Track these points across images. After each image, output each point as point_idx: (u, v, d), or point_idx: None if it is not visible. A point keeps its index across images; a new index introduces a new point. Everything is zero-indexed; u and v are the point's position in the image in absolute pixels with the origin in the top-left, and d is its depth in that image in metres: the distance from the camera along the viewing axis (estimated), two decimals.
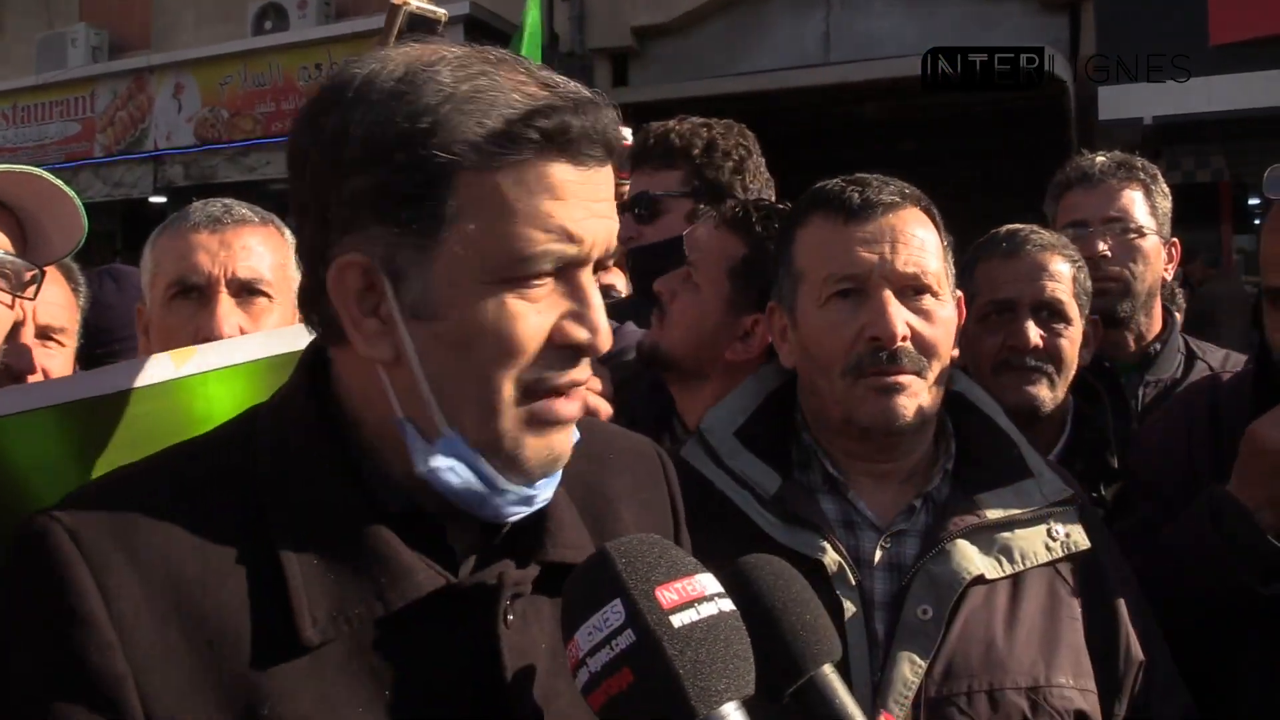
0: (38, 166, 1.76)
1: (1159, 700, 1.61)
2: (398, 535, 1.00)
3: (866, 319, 1.61)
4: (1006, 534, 1.61)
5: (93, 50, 14.63)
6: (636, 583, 0.91)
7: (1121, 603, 1.64)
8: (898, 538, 1.62)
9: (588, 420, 1.09)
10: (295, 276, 1.91)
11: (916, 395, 1.61)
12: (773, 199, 2.61)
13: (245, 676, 0.92)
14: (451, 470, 0.98)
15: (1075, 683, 1.54)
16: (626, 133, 3.67)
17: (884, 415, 1.60)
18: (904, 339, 1.60)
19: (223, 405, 1.42)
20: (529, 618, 1.04)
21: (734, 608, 0.94)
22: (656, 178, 2.73)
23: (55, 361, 1.99)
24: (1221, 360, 2.75)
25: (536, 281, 0.96)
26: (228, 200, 1.99)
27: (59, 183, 1.68)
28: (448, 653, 1.00)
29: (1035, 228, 2.30)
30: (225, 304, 1.86)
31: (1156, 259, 2.71)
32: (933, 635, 1.52)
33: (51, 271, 1.91)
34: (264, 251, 1.91)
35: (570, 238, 0.96)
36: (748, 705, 0.91)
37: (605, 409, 2.04)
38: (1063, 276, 2.19)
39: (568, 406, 1.01)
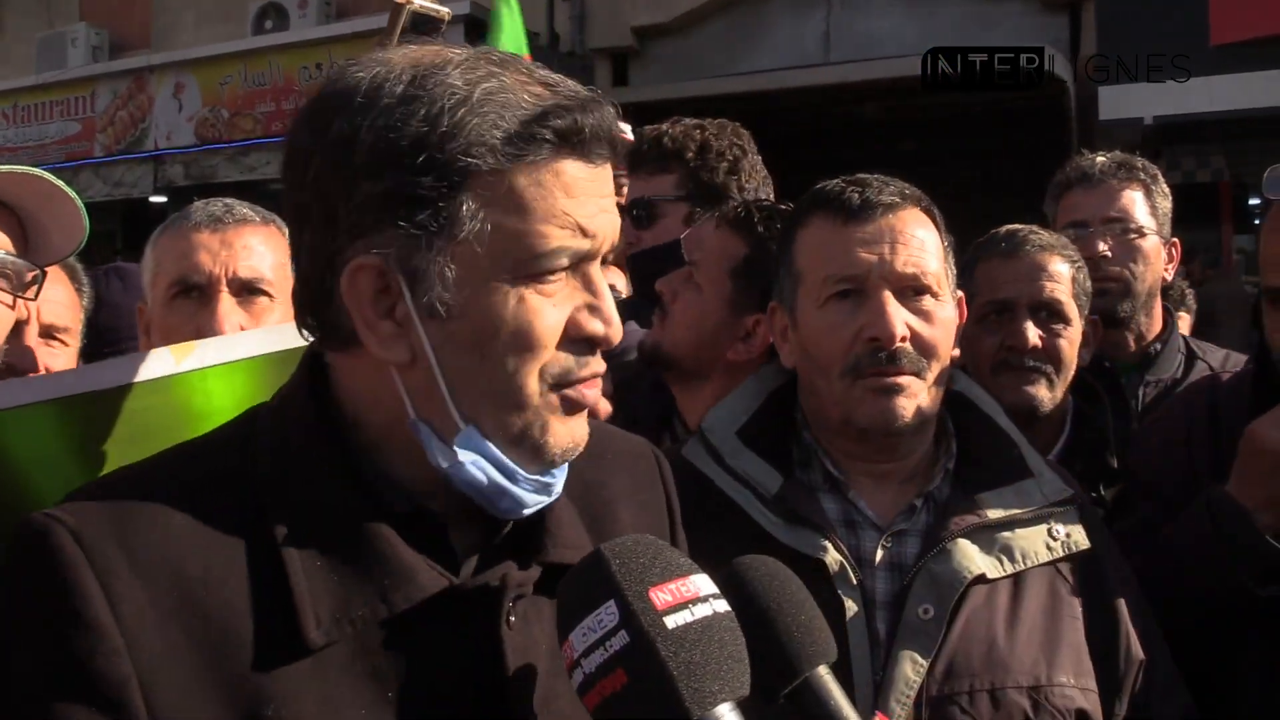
0: (38, 166, 1.76)
1: (1159, 700, 1.61)
2: (400, 536, 1.00)
3: (865, 319, 1.61)
4: (1007, 533, 1.61)
5: (93, 50, 14.63)
6: (631, 584, 0.91)
7: (1122, 602, 1.64)
8: (899, 537, 1.62)
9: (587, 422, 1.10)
10: None
11: (916, 396, 1.62)
12: (771, 197, 2.61)
13: (249, 678, 0.92)
14: (475, 464, 0.99)
15: (1076, 682, 1.55)
16: (626, 128, 3.68)
17: (883, 416, 1.61)
18: (903, 339, 1.60)
19: (222, 401, 1.42)
20: (530, 618, 1.05)
21: (729, 609, 0.94)
22: (652, 182, 2.73)
23: (59, 361, 1.99)
24: (1222, 360, 2.75)
25: (552, 277, 0.98)
26: (229, 200, 2.00)
27: (60, 183, 1.69)
28: (450, 654, 1.00)
29: (1035, 228, 2.30)
30: (226, 303, 1.86)
31: (1157, 259, 2.71)
32: (934, 634, 1.52)
33: (55, 271, 1.91)
34: (265, 251, 1.91)
35: (584, 233, 0.98)
36: (743, 706, 0.91)
37: (605, 407, 2.05)
38: (1062, 277, 2.19)
39: (590, 391, 1.04)
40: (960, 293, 1.76)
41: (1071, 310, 2.19)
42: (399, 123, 0.94)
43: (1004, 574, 1.59)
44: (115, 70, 14.35)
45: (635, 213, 2.76)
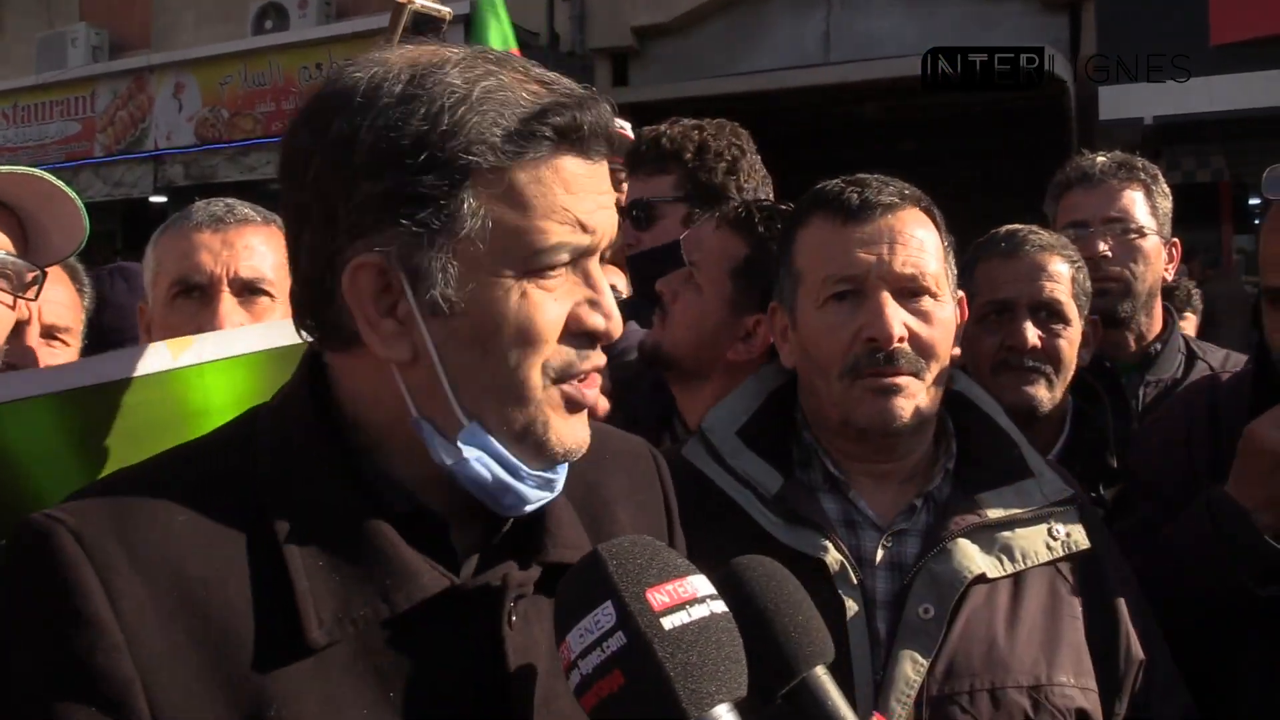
0: (38, 166, 1.76)
1: (1159, 700, 1.61)
2: (401, 536, 1.00)
3: (863, 320, 1.61)
4: (1007, 533, 1.61)
5: (93, 50, 14.63)
6: (628, 585, 0.91)
7: (1122, 602, 1.64)
8: (899, 537, 1.62)
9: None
10: None
11: (914, 396, 1.62)
12: (771, 197, 2.61)
13: (251, 678, 0.92)
14: (479, 460, 0.99)
15: (1076, 681, 1.55)
16: (626, 125, 3.68)
17: (881, 416, 1.61)
18: (901, 340, 1.60)
19: (220, 397, 1.42)
20: (530, 618, 1.05)
21: (726, 609, 0.94)
22: (650, 183, 2.73)
23: (60, 361, 1.99)
24: (1222, 360, 2.75)
25: (553, 272, 0.99)
26: (230, 200, 2.00)
27: (60, 184, 1.69)
28: (452, 654, 1.00)
29: (1035, 228, 2.30)
30: (227, 303, 1.86)
31: (1157, 259, 2.71)
32: (934, 634, 1.52)
33: (56, 271, 1.92)
34: (266, 251, 1.91)
35: (584, 228, 0.99)
36: (740, 707, 0.91)
37: (602, 404, 2.05)
38: (1061, 277, 2.19)
39: (590, 391, 1.04)
40: (961, 293, 1.76)
41: (1071, 310, 2.19)
42: (399, 122, 0.95)
43: (1004, 574, 1.59)
44: (115, 70, 14.34)
45: (634, 214, 2.76)
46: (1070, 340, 2.19)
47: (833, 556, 1.55)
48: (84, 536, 0.92)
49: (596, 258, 1.03)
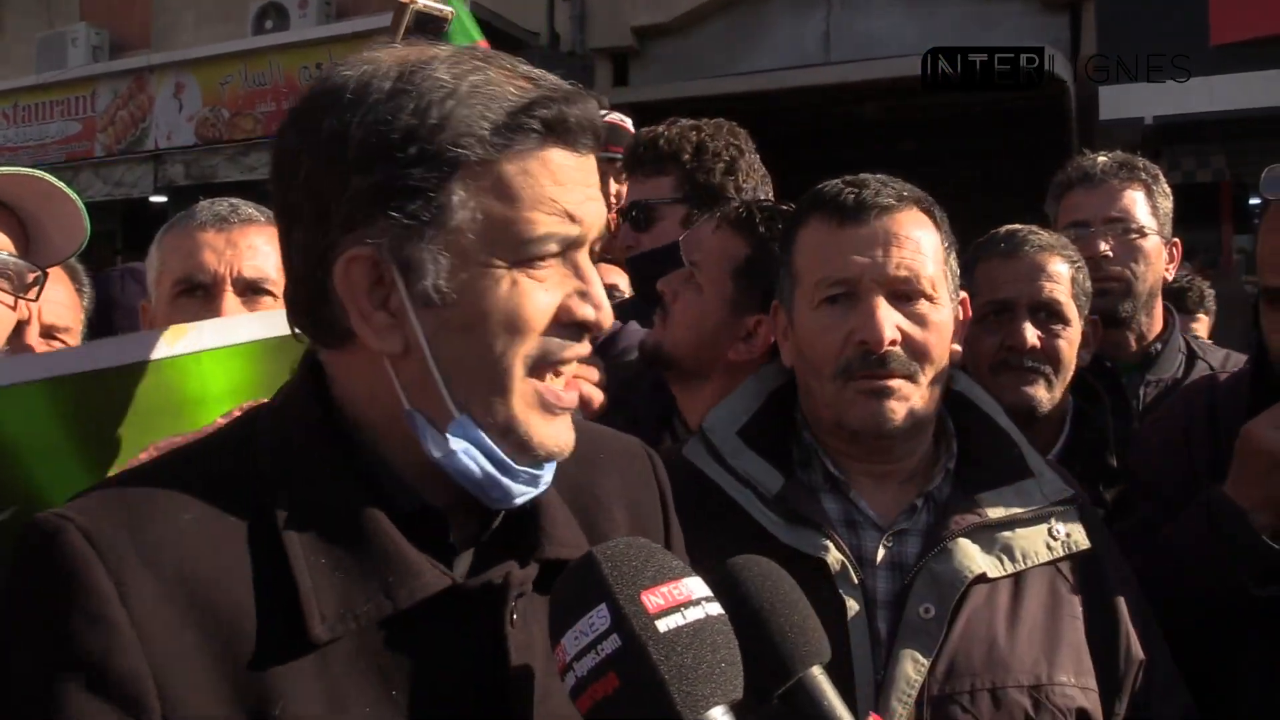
0: (38, 166, 1.76)
1: (1159, 700, 1.62)
2: (403, 534, 1.01)
3: (856, 323, 1.61)
4: (1008, 533, 1.62)
5: (93, 50, 14.60)
6: (622, 587, 0.91)
7: (1122, 602, 1.64)
8: (899, 537, 1.62)
9: (577, 424, 1.11)
10: None
11: (907, 399, 1.61)
12: (770, 196, 2.61)
13: (257, 675, 0.93)
14: (466, 453, 1.00)
15: (1077, 681, 1.55)
16: (628, 121, 3.68)
17: (873, 418, 1.61)
18: (893, 343, 1.60)
19: (217, 385, 1.42)
20: (529, 616, 1.05)
21: (721, 611, 0.94)
22: (649, 184, 2.72)
23: None
24: (1222, 360, 2.75)
25: (543, 263, 1.00)
26: (234, 199, 2.00)
27: (61, 184, 1.69)
28: (453, 651, 1.01)
29: (1035, 228, 2.30)
30: (231, 303, 1.87)
31: (1158, 259, 2.71)
32: (935, 634, 1.52)
33: (56, 271, 1.92)
34: (269, 251, 1.91)
35: (572, 219, 1.01)
36: (736, 708, 0.91)
37: (597, 397, 2.05)
38: (1061, 277, 2.19)
39: (568, 395, 1.05)
40: (964, 293, 1.76)
41: (1071, 311, 2.19)
42: (389, 117, 0.96)
43: (1004, 573, 1.59)
44: (115, 70, 14.32)
45: (633, 215, 2.76)
46: (1070, 340, 2.19)
47: (833, 556, 1.55)
48: (94, 535, 0.93)
49: (586, 249, 1.04)
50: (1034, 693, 1.52)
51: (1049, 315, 2.18)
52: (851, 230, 1.64)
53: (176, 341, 1.39)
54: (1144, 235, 2.68)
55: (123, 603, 0.90)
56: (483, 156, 0.97)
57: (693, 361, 2.04)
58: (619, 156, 3.19)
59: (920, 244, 1.64)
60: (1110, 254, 2.63)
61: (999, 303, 2.19)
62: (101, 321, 2.31)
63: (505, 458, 1.02)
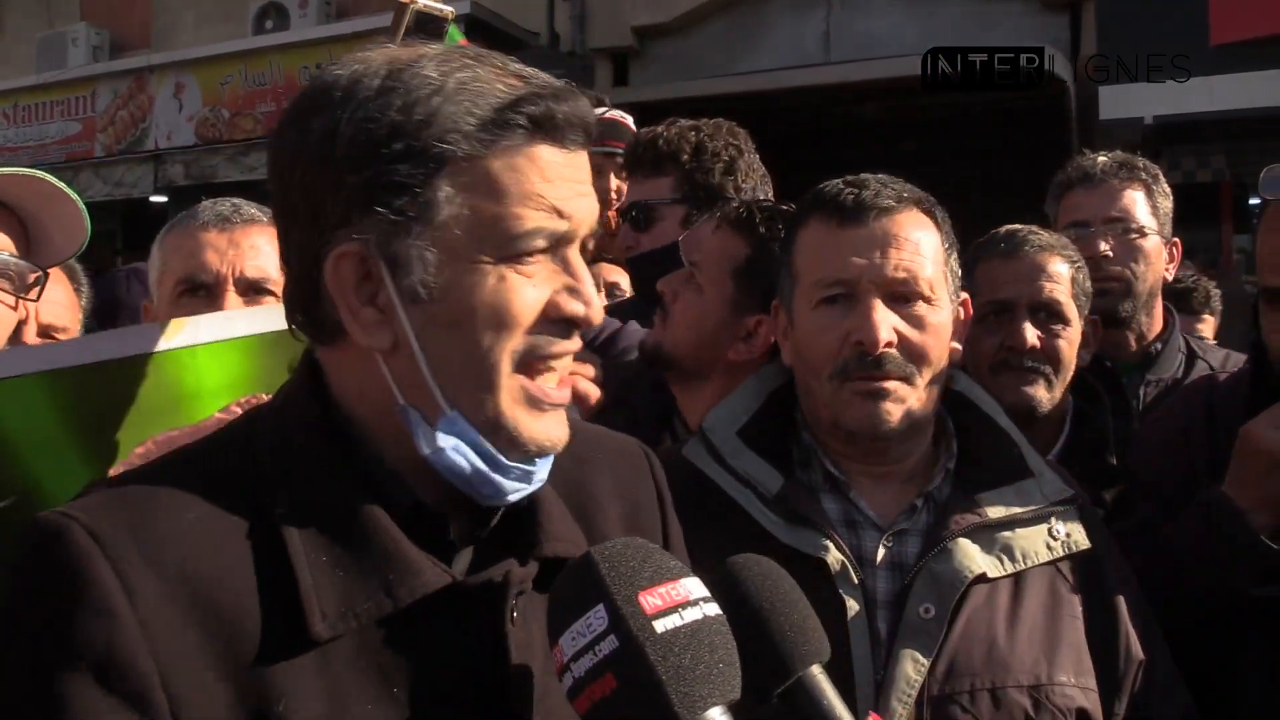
0: (38, 166, 1.77)
1: (1159, 700, 1.62)
2: (404, 531, 1.01)
3: (852, 324, 1.62)
4: (1008, 533, 1.62)
5: (93, 50, 14.60)
6: (620, 588, 0.91)
7: (1122, 602, 1.64)
8: (899, 537, 1.62)
9: (573, 423, 1.11)
10: None
11: (903, 401, 1.62)
12: (770, 195, 2.61)
13: (260, 673, 0.93)
14: (456, 449, 1.01)
15: (1077, 681, 1.55)
16: (628, 117, 3.67)
17: (869, 420, 1.61)
18: (889, 345, 1.60)
19: (213, 379, 1.42)
20: (528, 614, 1.05)
21: (719, 612, 0.94)
22: (648, 185, 2.72)
23: None
24: (1222, 360, 2.75)
25: (531, 258, 1.00)
26: (237, 200, 2.01)
27: (62, 185, 1.69)
28: (454, 649, 1.01)
29: (1035, 228, 2.30)
30: (233, 303, 1.87)
31: (1158, 259, 2.71)
32: (935, 634, 1.52)
33: (54, 271, 1.92)
34: (272, 251, 1.92)
35: (560, 214, 1.01)
36: (734, 709, 0.91)
37: (594, 393, 2.05)
38: (1061, 277, 2.19)
39: (559, 392, 1.05)
40: (965, 294, 1.76)
41: (1071, 311, 2.19)
42: (376, 114, 0.97)
43: (1004, 573, 1.59)
44: (115, 70, 14.32)
45: (633, 215, 2.76)
46: (1070, 341, 2.19)
47: (834, 556, 1.56)
48: (97, 532, 0.93)
49: (576, 246, 1.04)
50: (1034, 693, 1.52)
51: (1049, 315, 2.18)
52: (850, 231, 1.64)
53: (173, 335, 1.40)
54: (1144, 235, 2.68)
55: (127, 599, 0.91)
56: (469, 152, 0.98)
57: (693, 361, 2.04)
58: (619, 151, 3.19)
59: (919, 245, 1.64)
60: (1110, 254, 2.63)
61: (999, 303, 2.19)
62: (106, 322, 2.31)
63: (495, 453, 1.02)
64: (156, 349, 1.38)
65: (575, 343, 1.05)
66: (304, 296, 1.05)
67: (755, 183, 2.66)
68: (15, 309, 1.70)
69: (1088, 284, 2.26)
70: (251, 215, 1.95)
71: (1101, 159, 2.80)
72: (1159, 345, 2.72)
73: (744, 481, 1.64)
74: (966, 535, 1.59)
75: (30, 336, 1.95)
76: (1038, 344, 2.16)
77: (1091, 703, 1.55)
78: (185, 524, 0.97)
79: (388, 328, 1.01)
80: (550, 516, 1.11)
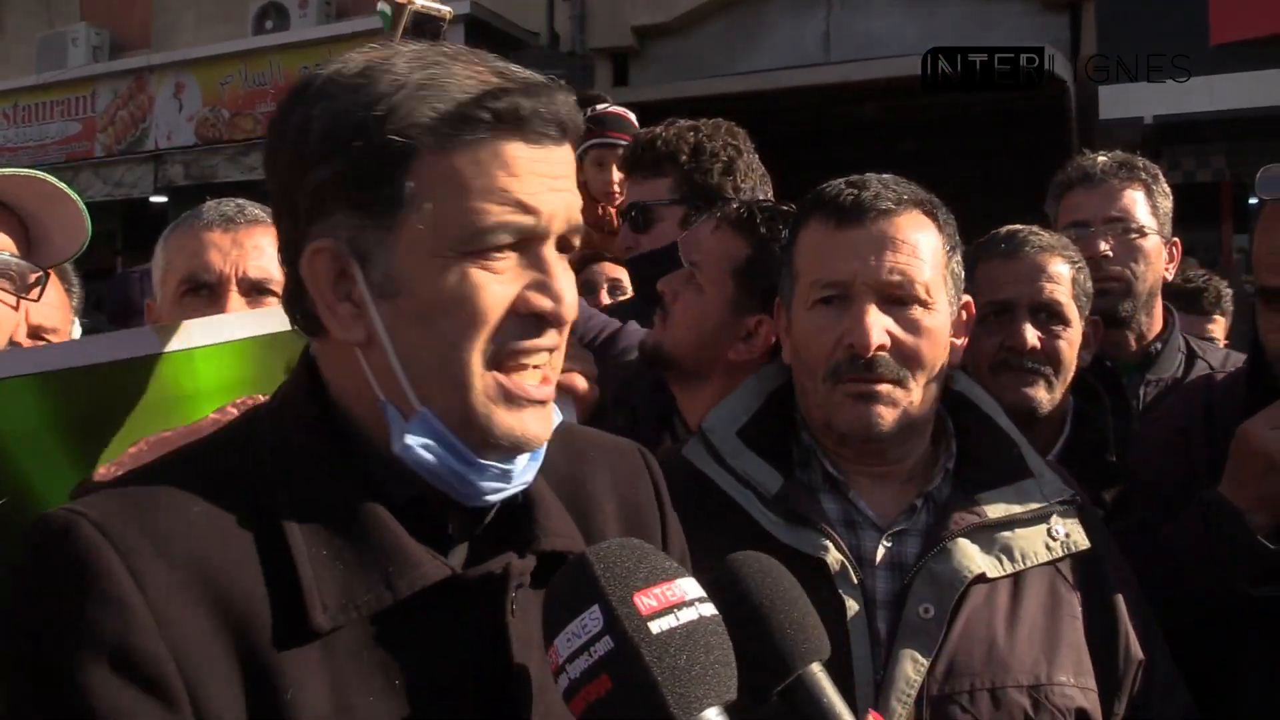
0: (38, 166, 1.77)
1: (1158, 700, 1.62)
2: (404, 526, 1.02)
3: (845, 326, 1.61)
4: (1007, 533, 1.62)
5: (93, 50, 14.60)
6: (615, 589, 0.91)
7: (1121, 602, 1.64)
8: (899, 537, 1.62)
9: (569, 424, 1.11)
10: None
11: (896, 404, 1.61)
12: (770, 195, 2.61)
13: (267, 662, 0.94)
14: (425, 448, 1.01)
15: (1076, 681, 1.55)
16: (630, 114, 3.67)
17: (860, 422, 1.61)
18: (881, 348, 1.60)
19: (209, 381, 1.42)
20: (526, 608, 1.06)
21: (715, 612, 0.94)
22: (646, 186, 2.73)
23: None
24: (1222, 360, 2.76)
25: (498, 254, 1.00)
26: (241, 200, 2.01)
27: (62, 185, 1.69)
28: (454, 642, 1.02)
29: (1036, 228, 2.30)
30: (235, 303, 1.87)
31: (1157, 259, 2.71)
32: (934, 634, 1.52)
33: None
34: (274, 252, 1.91)
35: (525, 209, 1.00)
36: (733, 707, 0.91)
37: (580, 385, 2.05)
38: (1062, 278, 2.19)
39: (539, 389, 1.04)
40: (968, 297, 1.75)
41: (1071, 311, 2.19)
42: (344, 110, 0.99)
43: (1004, 573, 1.59)
44: (115, 70, 14.32)
45: (632, 216, 2.76)
46: (1070, 341, 2.19)
47: (833, 556, 1.56)
48: (105, 526, 0.93)
49: (550, 243, 1.03)
50: (1033, 693, 1.52)
51: (1049, 316, 2.18)
52: (847, 232, 1.64)
53: (168, 339, 1.40)
54: (1144, 235, 2.68)
55: (139, 589, 0.91)
56: (432, 146, 0.98)
57: (693, 362, 2.04)
58: (623, 143, 3.19)
59: (917, 248, 1.63)
60: (1110, 254, 2.63)
61: (999, 303, 2.19)
62: (120, 324, 2.30)
63: (467, 451, 1.02)
64: (151, 352, 1.38)
65: (551, 339, 1.04)
66: (295, 291, 1.06)
67: (754, 183, 2.66)
68: (16, 309, 1.70)
69: (1089, 285, 2.26)
70: (255, 216, 1.95)
71: (1101, 159, 2.80)
72: (1159, 345, 2.72)
73: (743, 481, 1.64)
74: (966, 535, 1.60)
75: (20, 336, 1.95)
76: (1038, 345, 2.15)
77: (1091, 703, 1.55)
78: (190, 518, 0.97)
79: (362, 322, 1.02)
80: (547, 513, 1.11)
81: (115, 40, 14.83)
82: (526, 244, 1.02)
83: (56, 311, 2.09)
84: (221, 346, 1.45)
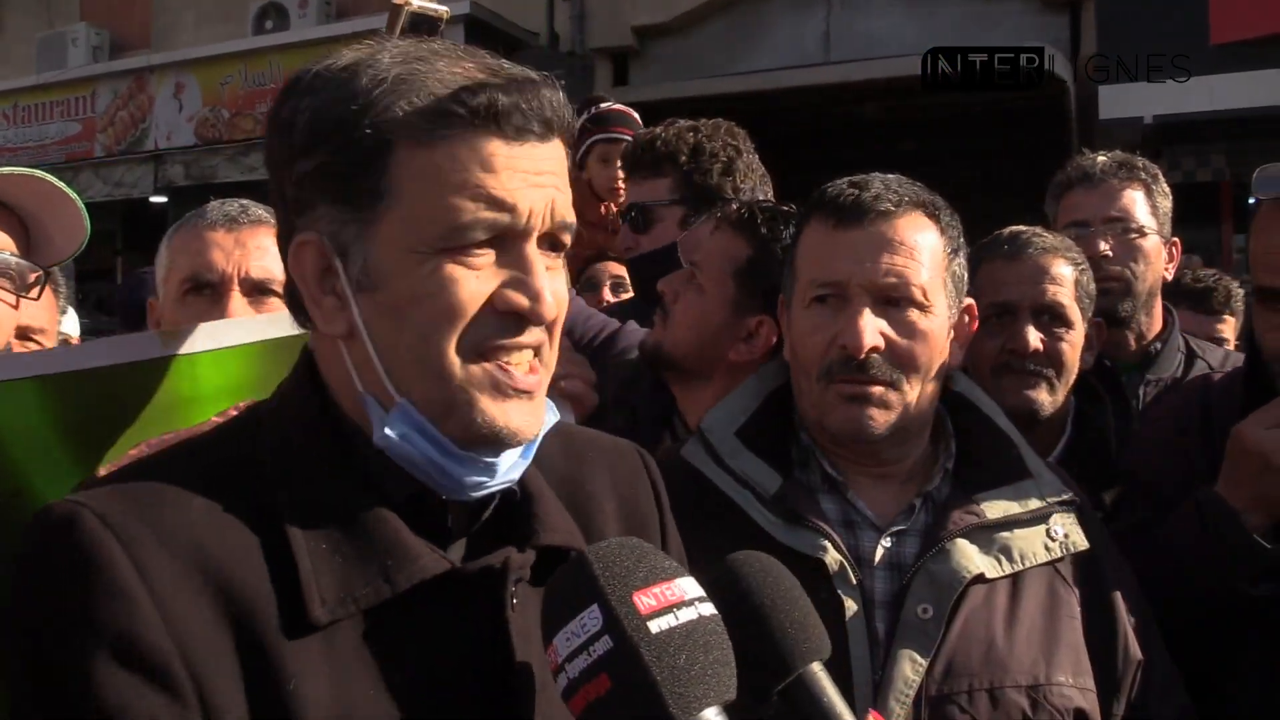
0: (38, 166, 1.77)
1: (1157, 700, 1.62)
2: (403, 521, 1.02)
3: (839, 327, 1.61)
4: (1006, 534, 1.62)
5: (93, 50, 14.61)
6: (614, 588, 0.91)
7: (1120, 603, 1.64)
8: (898, 537, 1.62)
9: (567, 425, 1.11)
10: None
11: (888, 406, 1.61)
12: (770, 195, 2.61)
13: (270, 654, 0.94)
14: (405, 439, 1.01)
15: (1075, 681, 1.55)
16: (633, 114, 3.66)
17: (853, 423, 1.61)
18: (873, 350, 1.60)
19: (212, 384, 1.42)
20: (526, 604, 1.06)
21: (715, 612, 0.94)
22: (646, 186, 2.73)
23: None
24: (1221, 360, 2.76)
25: (475, 250, 1.00)
26: (245, 200, 2.01)
27: (62, 185, 1.70)
28: (454, 636, 1.02)
29: (1038, 230, 2.29)
30: (237, 302, 1.87)
31: (1157, 259, 2.72)
32: (933, 634, 1.52)
33: None
34: (277, 252, 1.92)
35: (502, 206, 0.99)
36: (733, 707, 0.91)
37: (589, 399, 2.04)
38: (1064, 280, 2.18)
39: (526, 378, 1.03)
40: (970, 300, 1.75)
41: (1074, 313, 2.18)
42: (326, 104, 0.99)
43: (1002, 574, 1.59)
44: (115, 70, 14.34)
45: (631, 216, 2.76)
46: (1072, 343, 2.19)
47: (832, 556, 1.56)
48: (108, 517, 0.94)
49: (531, 241, 1.02)
50: (1032, 693, 1.52)
51: (1052, 318, 2.17)
52: (845, 233, 1.64)
53: (170, 343, 1.40)
54: (1143, 235, 2.68)
55: (142, 580, 0.91)
56: (408, 140, 0.98)
57: (693, 362, 2.04)
58: (627, 138, 3.19)
59: (916, 250, 1.63)
60: (1110, 254, 2.63)
61: (1001, 305, 2.18)
62: (136, 325, 2.30)
63: (448, 443, 1.01)
64: (151, 356, 1.38)
65: (532, 337, 1.03)
66: (290, 284, 1.08)
67: (754, 183, 2.66)
68: (16, 308, 1.70)
69: (1091, 286, 2.25)
70: (259, 216, 1.95)
71: (1101, 159, 2.80)
72: (1158, 345, 2.72)
73: (742, 482, 1.64)
74: (965, 535, 1.59)
75: (9, 337, 1.95)
76: (1040, 347, 2.15)
77: (1089, 703, 1.55)
78: (192, 511, 0.98)
79: (344, 315, 1.03)
80: (546, 509, 1.11)
81: (115, 40, 14.84)
82: (505, 241, 1.01)
83: (43, 311, 2.09)
84: (223, 351, 1.45)
